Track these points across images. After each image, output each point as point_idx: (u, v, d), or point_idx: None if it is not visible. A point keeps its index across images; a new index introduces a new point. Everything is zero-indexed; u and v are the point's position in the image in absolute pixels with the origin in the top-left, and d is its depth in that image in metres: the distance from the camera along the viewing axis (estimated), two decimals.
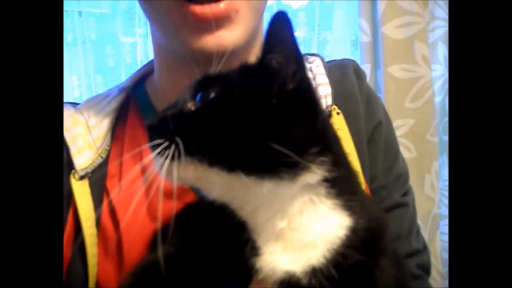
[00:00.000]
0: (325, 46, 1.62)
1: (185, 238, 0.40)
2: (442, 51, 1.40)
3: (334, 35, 1.53)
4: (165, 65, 0.61)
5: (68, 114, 0.60)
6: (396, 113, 1.32)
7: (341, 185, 0.39)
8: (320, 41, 1.62)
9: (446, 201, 1.45)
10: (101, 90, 1.70)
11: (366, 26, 1.34)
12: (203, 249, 0.39)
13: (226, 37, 0.51)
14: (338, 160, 0.40)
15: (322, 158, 0.38)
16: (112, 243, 0.54)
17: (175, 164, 0.37)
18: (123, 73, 1.72)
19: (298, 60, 0.38)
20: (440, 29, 1.38)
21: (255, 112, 0.36)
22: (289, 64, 0.38)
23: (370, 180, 0.60)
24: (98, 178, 0.56)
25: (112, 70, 1.74)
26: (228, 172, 0.36)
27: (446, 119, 1.43)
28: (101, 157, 0.58)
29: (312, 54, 0.66)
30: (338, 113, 0.58)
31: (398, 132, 1.33)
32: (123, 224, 0.54)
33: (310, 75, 0.60)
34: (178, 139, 0.36)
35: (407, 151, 1.34)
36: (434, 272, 1.43)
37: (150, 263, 0.44)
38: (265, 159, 0.36)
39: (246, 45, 0.55)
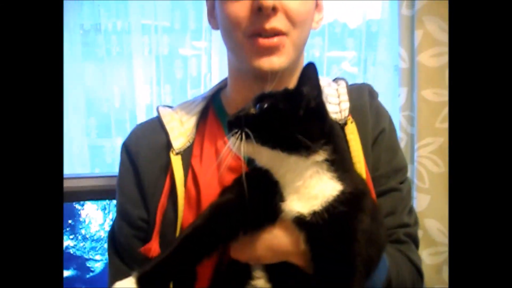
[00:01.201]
0: (369, 68, 1.81)
1: (241, 190, 0.64)
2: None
3: (378, 59, 1.71)
4: (235, 81, 0.84)
5: (167, 113, 0.85)
6: (427, 131, 1.47)
7: (337, 164, 0.63)
8: (365, 64, 1.80)
9: None
10: (169, 98, 1.96)
11: (404, 54, 1.50)
12: (252, 197, 0.63)
13: (275, 62, 0.74)
14: (337, 149, 0.63)
15: (326, 147, 0.62)
16: (193, 199, 0.78)
17: (243, 143, 0.61)
18: (188, 84, 1.97)
19: (318, 91, 0.63)
20: None
21: (290, 117, 0.61)
22: (313, 92, 0.62)
23: (373, 170, 0.79)
24: (187, 156, 0.80)
25: (180, 81, 1.99)
26: (272, 149, 0.61)
27: None
28: (189, 142, 0.81)
29: (341, 78, 0.88)
30: (351, 122, 0.79)
31: (428, 149, 1.48)
32: (201, 186, 0.77)
33: (335, 93, 0.81)
34: (246, 129, 0.60)
35: (436, 166, 1.49)
36: None
37: (220, 202, 0.69)
38: (293, 143, 0.60)
39: (289, 69, 0.78)
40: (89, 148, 1.88)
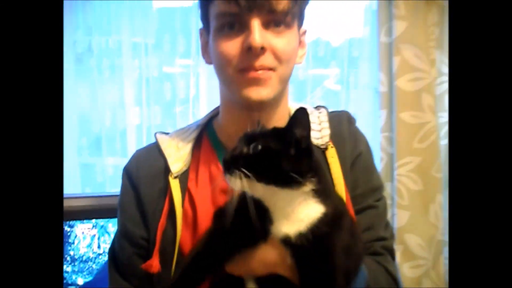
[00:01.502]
0: (351, 89, 1.90)
1: (234, 215, 0.70)
2: (448, 102, 1.64)
3: (359, 81, 1.80)
4: (226, 111, 0.91)
5: (165, 139, 0.90)
6: (405, 151, 1.57)
7: (321, 192, 0.68)
8: (347, 82, 1.89)
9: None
10: (159, 119, 2.02)
11: (384, 78, 1.60)
12: (242, 221, 0.69)
13: (262, 92, 0.80)
14: (321, 180, 0.69)
15: (312, 179, 0.67)
16: (190, 218, 0.84)
17: (238, 180, 0.66)
18: (176, 105, 2.04)
19: (308, 132, 0.68)
20: (446, 83, 1.63)
21: (283, 157, 0.67)
22: (303, 133, 0.67)
23: (352, 190, 0.86)
24: (183, 179, 0.86)
25: (168, 103, 2.05)
26: (267, 185, 0.66)
27: None
28: (186, 167, 0.87)
29: (322, 107, 0.95)
30: (332, 147, 0.86)
31: (407, 167, 1.58)
32: (198, 207, 0.84)
33: (317, 120, 0.89)
34: (243, 170, 0.65)
35: (414, 183, 1.58)
36: None
37: (211, 232, 0.75)
38: (286, 179, 0.66)
39: (275, 99, 0.84)
40: (80, 167, 1.92)
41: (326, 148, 0.86)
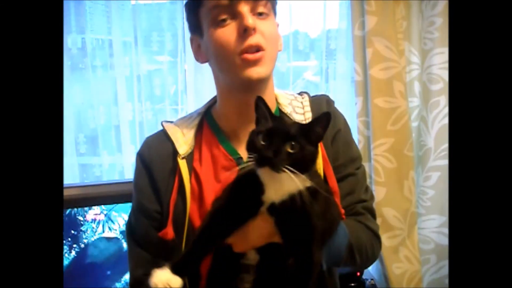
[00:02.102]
0: (330, 80, 2.05)
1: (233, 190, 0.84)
2: (417, 88, 1.81)
3: (337, 72, 1.96)
4: (224, 96, 1.03)
5: (171, 127, 1.04)
6: (380, 133, 1.73)
7: (311, 174, 0.81)
8: (327, 73, 2.04)
9: (422, 202, 1.84)
10: (150, 113, 2.14)
11: (358, 68, 1.76)
12: (242, 193, 0.83)
13: (260, 71, 0.93)
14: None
15: None
16: (196, 193, 0.98)
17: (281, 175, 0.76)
18: (166, 100, 2.15)
19: (324, 131, 0.80)
20: (415, 71, 1.79)
21: (312, 150, 0.79)
22: (323, 132, 0.80)
23: (333, 161, 1.00)
24: (189, 160, 0.99)
25: (159, 98, 2.17)
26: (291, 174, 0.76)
27: (421, 138, 1.83)
28: (191, 149, 1.00)
29: (304, 92, 1.09)
30: None
31: (382, 148, 1.74)
32: (203, 183, 0.98)
33: (301, 105, 1.04)
34: (287, 167, 0.74)
35: (389, 162, 1.75)
36: (412, 258, 1.81)
37: (216, 209, 0.88)
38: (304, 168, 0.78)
39: (266, 80, 0.97)
40: (78, 162, 2.02)
41: None
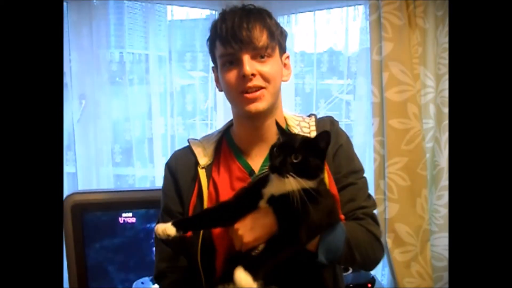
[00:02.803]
0: (351, 102, 2.18)
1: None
2: (432, 110, 1.90)
3: (357, 94, 2.08)
4: (237, 120, 1.19)
5: (195, 142, 1.20)
6: (394, 152, 1.82)
7: (318, 181, 0.95)
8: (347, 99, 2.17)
9: (435, 220, 1.91)
10: (181, 128, 2.30)
11: (376, 90, 1.86)
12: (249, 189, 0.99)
13: (259, 106, 1.07)
14: None
15: None
16: (213, 198, 1.12)
17: (286, 180, 0.91)
18: (197, 115, 2.31)
19: (327, 146, 0.95)
20: (430, 94, 1.88)
21: (315, 161, 0.93)
22: (324, 145, 0.94)
23: (335, 173, 1.12)
24: (208, 170, 1.14)
25: (190, 113, 2.33)
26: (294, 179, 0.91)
27: (435, 158, 1.91)
28: (210, 161, 1.15)
29: (313, 115, 1.22)
30: None
31: (396, 166, 1.83)
32: (219, 190, 1.12)
33: (308, 125, 1.17)
34: (291, 173, 0.90)
35: (402, 180, 1.83)
36: (424, 274, 1.88)
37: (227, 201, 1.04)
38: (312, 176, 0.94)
39: (269, 110, 1.11)
40: (113, 171, 2.20)
41: None
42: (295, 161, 0.91)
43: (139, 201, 1.67)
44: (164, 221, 1.16)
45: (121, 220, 1.65)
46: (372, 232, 1.09)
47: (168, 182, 1.19)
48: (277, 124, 1.00)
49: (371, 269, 1.19)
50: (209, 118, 2.36)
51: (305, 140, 0.96)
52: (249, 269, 0.87)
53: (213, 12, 2.23)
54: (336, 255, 1.02)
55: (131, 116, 2.21)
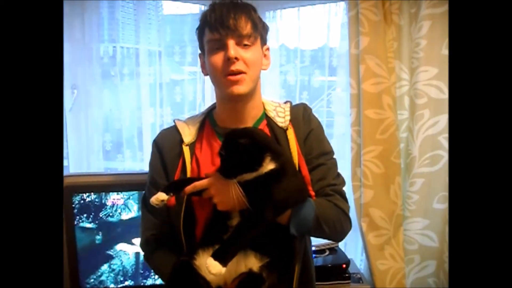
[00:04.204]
0: (331, 93, 2.28)
1: None
2: (406, 102, 2.00)
3: (338, 86, 2.18)
4: (220, 103, 1.29)
5: (180, 122, 1.29)
6: (369, 141, 1.92)
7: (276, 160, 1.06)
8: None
9: (408, 206, 2.01)
10: (170, 118, 2.39)
11: (353, 83, 1.96)
12: None
13: (240, 89, 1.17)
14: (276, 155, 1.07)
15: (269, 158, 1.06)
16: (195, 173, 1.23)
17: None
18: (186, 106, 2.40)
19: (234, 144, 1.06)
20: (404, 87, 1.98)
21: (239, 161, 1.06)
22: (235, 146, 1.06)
23: (307, 154, 1.22)
24: (192, 147, 1.25)
25: (179, 104, 2.41)
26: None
27: (408, 147, 2.01)
28: (194, 139, 1.26)
29: (288, 101, 1.32)
30: (290, 128, 1.23)
31: (371, 154, 1.93)
32: (201, 165, 1.23)
33: (283, 110, 1.27)
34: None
35: (377, 167, 1.94)
36: (396, 256, 1.98)
37: None
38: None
39: (249, 93, 1.21)
40: (104, 155, 2.29)
41: (287, 129, 1.24)
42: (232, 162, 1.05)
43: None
44: (151, 192, 1.27)
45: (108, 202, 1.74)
46: (339, 207, 1.20)
47: (155, 158, 1.30)
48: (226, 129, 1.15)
49: (340, 240, 1.31)
50: (197, 109, 2.45)
51: (238, 141, 1.06)
52: (218, 257, 0.99)
53: (202, 7, 2.32)
54: (306, 228, 1.13)
55: (122, 107, 2.30)
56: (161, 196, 1.10)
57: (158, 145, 1.29)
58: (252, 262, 1.07)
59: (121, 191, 1.74)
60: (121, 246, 1.76)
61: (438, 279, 2.00)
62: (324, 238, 1.29)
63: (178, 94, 2.40)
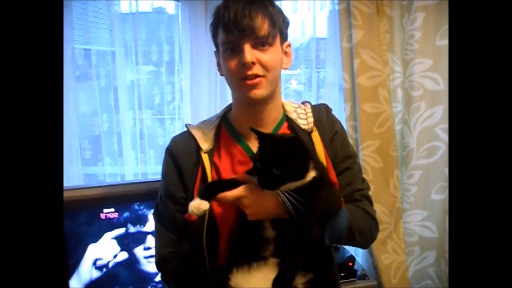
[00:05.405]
0: (321, 89, 2.24)
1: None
2: (400, 94, 2.00)
3: (326, 80, 2.14)
4: (237, 106, 1.20)
5: (194, 128, 1.19)
6: (367, 136, 1.90)
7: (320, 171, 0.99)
8: (318, 86, 2.23)
9: (406, 198, 2.02)
10: (149, 121, 2.26)
11: (347, 77, 1.92)
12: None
13: (257, 93, 1.09)
14: (316, 163, 1.00)
15: (312, 166, 0.99)
16: None
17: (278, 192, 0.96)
18: (165, 108, 2.28)
19: (300, 147, 0.98)
20: (397, 79, 1.97)
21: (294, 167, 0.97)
22: (300, 148, 0.98)
23: (333, 158, 1.16)
24: (210, 155, 1.15)
25: (158, 106, 2.29)
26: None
27: (404, 140, 2.01)
28: (211, 146, 1.16)
29: (307, 102, 1.26)
30: (315, 130, 1.17)
31: (369, 149, 1.91)
32: (222, 174, 1.14)
33: (304, 112, 1.20)
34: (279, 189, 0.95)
35: (376, 162, 1.92)
36: (398, 250, 1.98)
37: None
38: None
39: (268, 97, 1.13)
40: (82, 162, 2.14)
41: (311, 131, 1.17)
42: (276, 173, 0.95)
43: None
44: (165, 206, 1.16)
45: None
46: (369, 213, 1.16)
47: (169, 167, 1.19)
48: (252, 129, 1.03)
49: (367, 247, 1.26)
50: (176, 110, 2.33)
51: (282, 149, 0.98)
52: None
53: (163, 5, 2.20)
54: (339, 237, 1.07)
55: (99, 110, 2.15)
56: (203, 205, 0.98)
57: (173, 154, 1.19)
58: (296, 280, 1.00)
59: None
60: None
61: (439, 269, 2.02)
62: (352, 246, 1.24)
63: (157, 95, 2.28)
